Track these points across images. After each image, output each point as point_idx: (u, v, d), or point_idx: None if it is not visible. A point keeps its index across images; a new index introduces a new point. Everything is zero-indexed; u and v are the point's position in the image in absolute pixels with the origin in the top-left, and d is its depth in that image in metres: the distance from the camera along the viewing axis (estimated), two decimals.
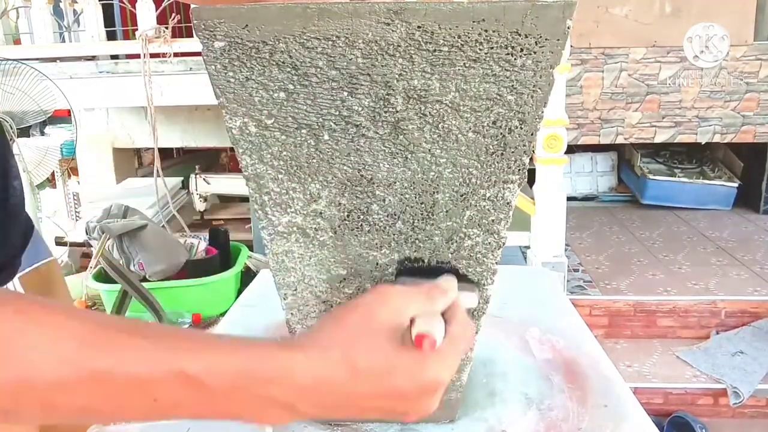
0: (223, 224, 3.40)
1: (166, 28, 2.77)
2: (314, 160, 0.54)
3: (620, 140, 3.82)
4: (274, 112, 0.52)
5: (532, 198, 2.55)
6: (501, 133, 0.52)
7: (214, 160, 4.56)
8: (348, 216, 0.56)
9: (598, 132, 3.76)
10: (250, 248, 2.71)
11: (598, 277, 3.04)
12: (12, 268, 0.60)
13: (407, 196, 0.55)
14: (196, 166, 3.51)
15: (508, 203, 0.56)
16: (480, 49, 0.49)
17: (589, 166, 4.40)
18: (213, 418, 0.39)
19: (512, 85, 0.50)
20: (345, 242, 0.58)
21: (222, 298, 1.95)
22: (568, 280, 2.81)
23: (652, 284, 2.95)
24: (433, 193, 0.55)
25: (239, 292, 1.84)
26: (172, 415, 0.38)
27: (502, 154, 0.53)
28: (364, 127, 0.52)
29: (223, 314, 1.77)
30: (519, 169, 0.54)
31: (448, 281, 0.53)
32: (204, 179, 3.31)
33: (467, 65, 0.49)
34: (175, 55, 2.78)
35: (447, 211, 0.56)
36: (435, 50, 0.49)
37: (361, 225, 0.57)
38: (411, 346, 0.40)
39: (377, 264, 0.59)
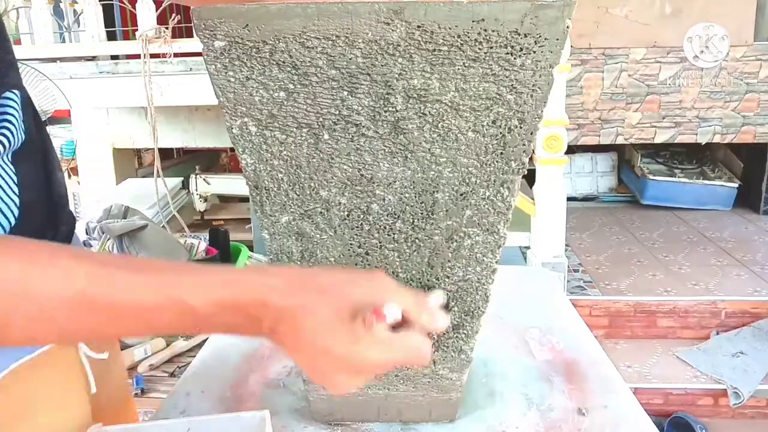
0: (223, 224, 3.39)
1: (166, 28, 2.76)
2: (314, 160, 0.54)
3: (620, 141, 3.82)
4: (274, 111, 0.52)
5: (532, 198, 2.55)
6: (500, 133, 0.52)
7: (214, 160, 4.55)
8: (348, 215, 0.56)
9: (598, 132, 3.76)
10: (250, 248, 2.70)
11: (598, 278, 3.04)
12: None
13: (407, 195, 0.55)
14: (196, 167, 3.50)
15: (507, 203, 0.56)
16: (479, 49, 0.49)
17: (589, 167, 4.40)
18: (197, 333, 0.46)
19: (512, 85, 0.50)
20: (345, 242, 0.58)
21: None
22: (568, 281, 2.81)
23: (652, 284, 2.95)
24: (433, 192, 0.55)
25: None
26: (164, 332, 0.48)
27: (501, 153, 0.53)
28: (364, 127, 0.52)
29: None
30: (519, 169, 0.54)
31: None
32: (204, 179, 3.31)
33: (467, 65, 0.49)
34: (175, 55, 2.78)
35: (447, 211, 0.56)
36: (435, 50, 0.49)
37: (361, 224, 0.57)
38: (360, 320, 0.43)
39: (377, 264, 0.59)
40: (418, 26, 0.48)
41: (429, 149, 0.53)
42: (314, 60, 0.49)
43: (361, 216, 0.56)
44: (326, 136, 0.52)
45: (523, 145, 0.53)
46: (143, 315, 0.42)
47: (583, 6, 3.41)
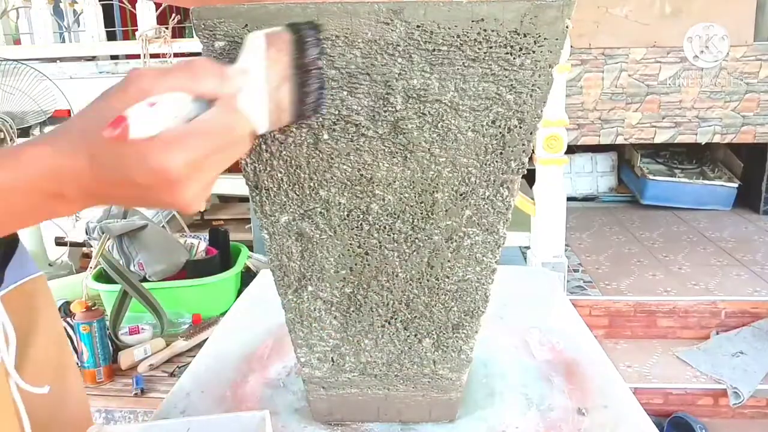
0: (223, 224, 3.40)
1: (166, 28, 2.77)
2: (314, 160, 0.54)
3: (620, 141, 3.82)
4: None
5: (532, 198, 2.55)
6: (500, 133, 0.52)
7: None
8: (348, 215, 0.56)
9: (598, 132, 3.76)
10: (250, 248, 2.70)
11: (598, 278, 3.04)
12: None
13: (407, 195, 0.55)
14: None
15: (507, 203, 0.56)
16: (479, 49, 0.49)
17: (589, 167, 4.40)
18: None
19: (511, 85, 0.50)
20: (345, 242, 0.58)
21: (222, 298, 1.95)
22: (568, 281, 2.81)
23: (652, 284, 2.95)
24: (433, 192, 0.55)
25: (239, 292, 1.84)
26: None
27: (501, 153, 0.53)
28: (363, 127, 0.52)
29: (223, 314, 1.77)
30: (518, 169, 0.54)
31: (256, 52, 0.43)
32: None
33: (466, 64, 0.49)
34: (175, 55, 2.78)
35: (446, 211, 0.56)
36: (434, 50, 0.49)
37: (361, 224, 0.57)
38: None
39: (377, 264, 0.59)
40: (418, 26, 0.48)
41: (428, 149, 0.53)
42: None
43: (361, 216, 0.56)
44: (326, 136, 0.52)
45: (523, 145, 0.53)
46: None
47: (583, 6, 3.41)
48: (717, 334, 2.72)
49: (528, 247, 2.76)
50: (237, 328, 0.93)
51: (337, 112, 0.51)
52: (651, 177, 4.05)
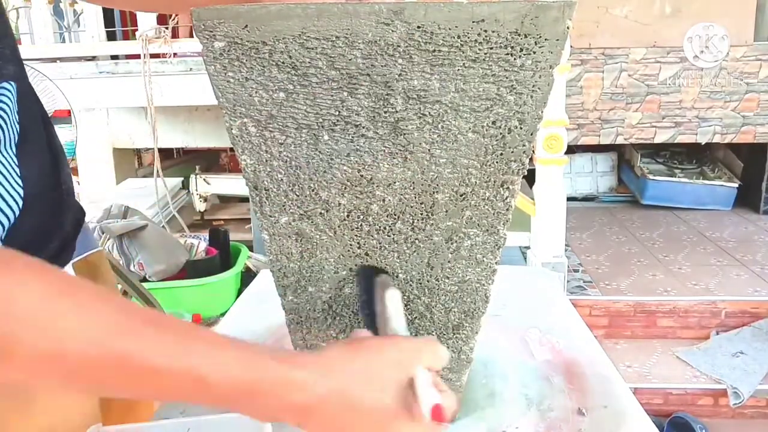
0: (223, 224, 3.40)
1: (166, 28, 2.77)
2: (314, 161, 0.54)
3: (620, 141, 3.82)
4: (273, 112, 0.52)
5: (532, 198, 2.55)
6: (500, 133, 0.52)
7: (214, 161, 4.56)
8: (348, 216, 0.56)
9: (598, 132, 3.76)
10: (250, 248, 2.71)
11: (598, 278, 3.04)
12: (67, 253, 0.61)
13: (407, 196, 0.55)
14: (196, 167, 3.51)
15: (507, 203, 0.56)
16: (479, 50, 0.49)
17: (589, 167, 4.40)
18: (211, 406, 0.44)
19: (512, 85, 0.50)
20: (344, 242, 0.58)
21: (222, 299, 1.95)
22: (568, 281, 2.81)
23: (652, 284, 2.95)
24: (433, 193, 0.55)
25: (239, 292, 1.84)
26: (175, 400, 0.45)
27: (501, 154, 0.53)
28: (363, 127, 0.52)
29: (223, 314, 1.77)
30: (518, 170, 0.54)
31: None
32: (204, 179, 3.31)
33: (467, 65, 0.49)
34: (175, 55, 2.78)
35: (447, 211, 0.56)
36: (435, 50, 0.49)
37: (361, 225, 0.57)
38: (410, 407, 0.43)
39: (377, 265, 0.59)
40: (418, 27, 0.48)
41: (429, 150, 0.53)
42: (314, 61, 0.49)
43: (361, 217, 0.56)
44: (326, 137, 0.52)
45: (523, 145, 0.53)
46: (154, 379, 0.38)
47: (583, 6, 3.41)
48: (717, 334, 2.72)
49: (528, 247, 2.76)
50: (237, 328, 0.93)
51: (337, 113, 0.51)
52: (651, 177, 4.05)
